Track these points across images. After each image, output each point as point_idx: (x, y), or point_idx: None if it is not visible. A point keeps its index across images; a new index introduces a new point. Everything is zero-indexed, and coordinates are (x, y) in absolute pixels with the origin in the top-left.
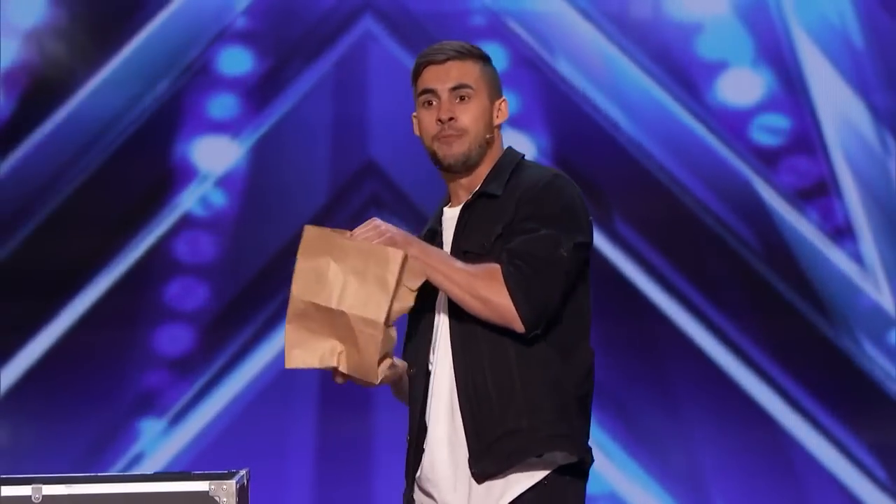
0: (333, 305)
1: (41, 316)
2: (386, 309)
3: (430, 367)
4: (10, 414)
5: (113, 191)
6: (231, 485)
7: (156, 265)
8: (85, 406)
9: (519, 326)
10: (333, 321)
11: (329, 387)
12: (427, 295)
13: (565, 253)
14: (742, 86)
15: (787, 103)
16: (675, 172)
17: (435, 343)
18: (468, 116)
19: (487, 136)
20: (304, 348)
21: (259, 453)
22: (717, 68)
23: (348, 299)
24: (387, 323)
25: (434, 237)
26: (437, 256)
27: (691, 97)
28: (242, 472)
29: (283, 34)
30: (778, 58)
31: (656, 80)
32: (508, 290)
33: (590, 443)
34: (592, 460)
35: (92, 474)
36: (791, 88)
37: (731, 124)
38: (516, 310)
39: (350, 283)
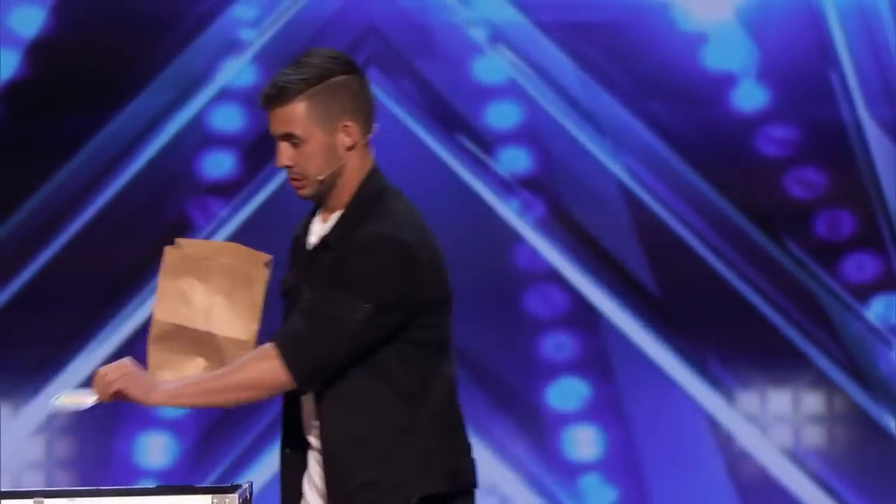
0: (201, 327)
1: (83, 329)
2: (256, 329)
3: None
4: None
5: (149, 203)
6: (234, 498)
7: None
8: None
9: (285, 382)
10: (200, 342)
11: None
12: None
13: (361, 316)
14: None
15: (791, 113)
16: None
17: None
18: (303, 162)
19: (332, 169)
20: (169, 368)
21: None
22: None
23: (216, 321)
24: (255, 342)
25: (296, 244)
26: (186, 387)
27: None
28: (245, 485)
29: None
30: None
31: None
32: (280, 348)
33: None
34: (468, 480)
35: (94, 488)
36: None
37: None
38: (286, 365)
39: (217, 304)
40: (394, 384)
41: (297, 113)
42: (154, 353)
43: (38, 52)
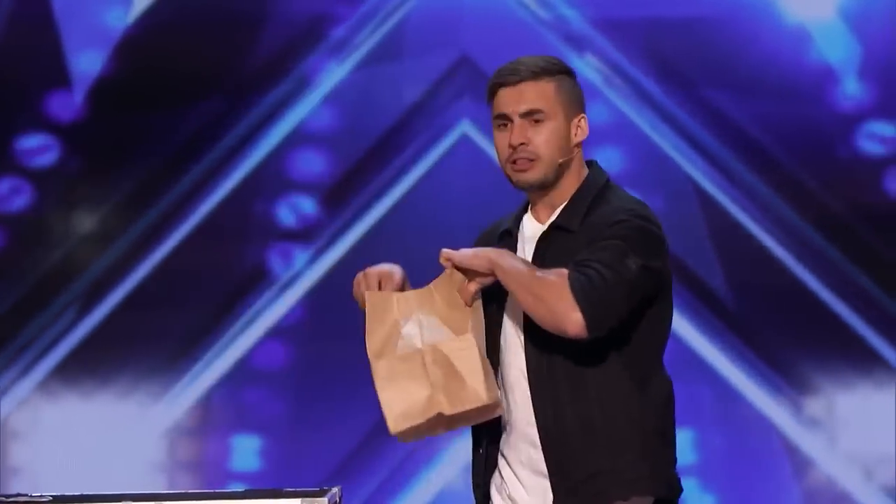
0: (420, 345)
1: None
2: (469, 321)
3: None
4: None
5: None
6: (323, 502)
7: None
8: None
9: (576, 329)
10: (425, 363)
11: None
12: (491, 314)
13: (633, 265)
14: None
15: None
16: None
17: (503, 364)
18: (541, 140)
19: (562, 159)
20: (404, 409)
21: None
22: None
23: (432, 334)
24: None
25: (509, 239)
26: (510, 260)
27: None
28: (335, 489)
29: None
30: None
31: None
32: (572, 291)
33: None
34: (681, 490)
35: (181, 491)
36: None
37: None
38: (580, 311)
39: (425, 319)
40: (629, 369)
41: (548, 90)
42: (386, 397)
43: (128, 51)
